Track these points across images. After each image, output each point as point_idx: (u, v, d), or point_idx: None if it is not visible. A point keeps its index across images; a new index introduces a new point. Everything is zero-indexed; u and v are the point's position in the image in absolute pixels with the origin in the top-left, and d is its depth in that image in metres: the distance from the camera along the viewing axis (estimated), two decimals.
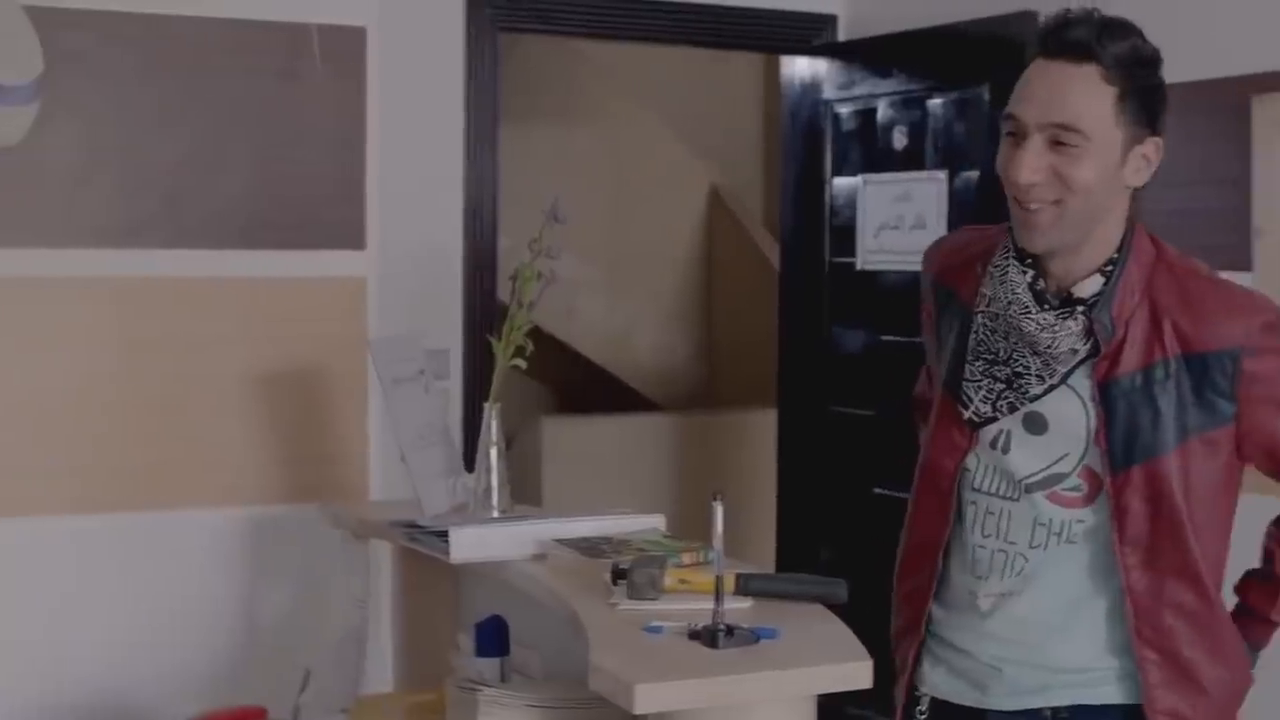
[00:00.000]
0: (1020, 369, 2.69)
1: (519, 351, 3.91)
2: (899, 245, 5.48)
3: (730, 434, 7.77)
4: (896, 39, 5.55)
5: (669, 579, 3.07)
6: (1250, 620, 2.79)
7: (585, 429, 7.71)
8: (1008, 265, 2.70)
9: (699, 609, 2.88)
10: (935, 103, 5.40)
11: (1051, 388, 2.68)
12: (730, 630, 2.79)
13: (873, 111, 5.65)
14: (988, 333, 2.73)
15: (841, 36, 5.86)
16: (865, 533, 5.46)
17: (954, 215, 5.23)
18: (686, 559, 3.28)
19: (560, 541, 3.49)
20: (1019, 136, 2.62)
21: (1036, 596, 2.73)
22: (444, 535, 3.57)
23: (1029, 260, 2.69)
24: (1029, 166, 2.59)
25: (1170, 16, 4.28)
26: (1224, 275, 2.74)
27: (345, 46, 4.91)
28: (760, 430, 6.82)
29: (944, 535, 2.79)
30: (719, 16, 5.67)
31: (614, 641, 2.83)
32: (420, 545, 3.75)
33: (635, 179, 8.13)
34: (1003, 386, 2.71)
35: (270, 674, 4.53)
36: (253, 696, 4.35)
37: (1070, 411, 2.68)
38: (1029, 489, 2.71)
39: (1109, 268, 2.66)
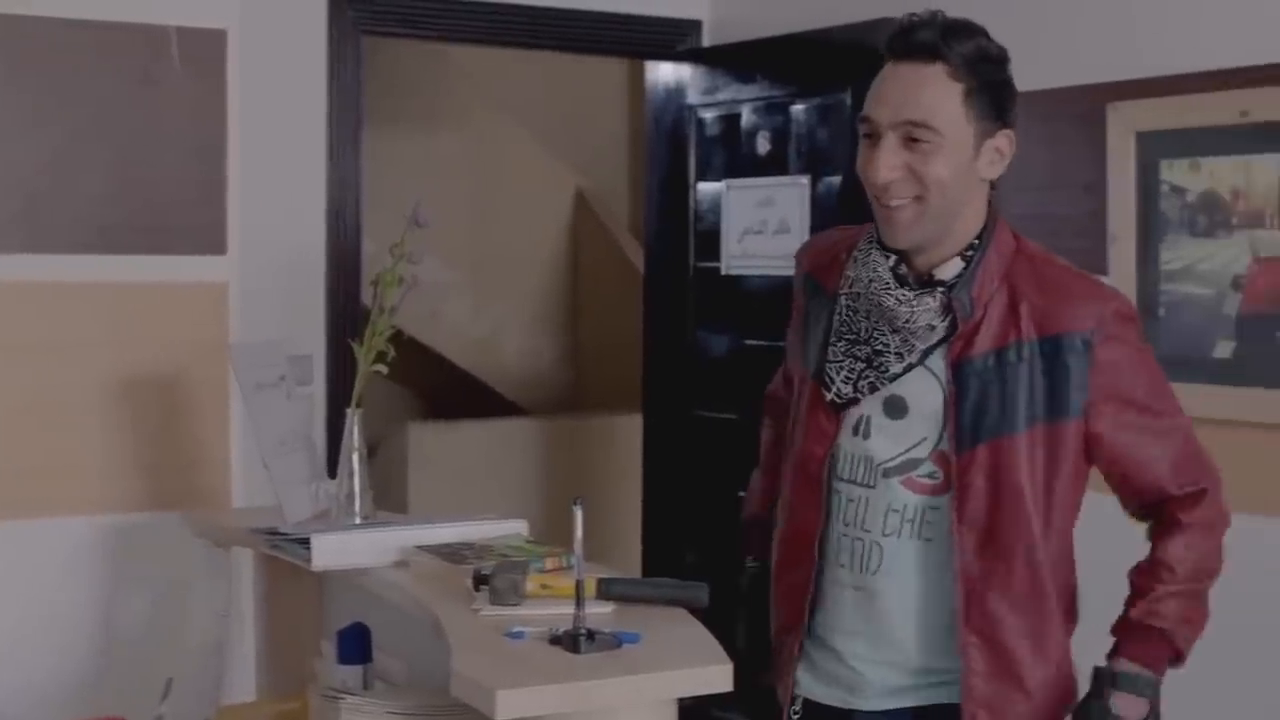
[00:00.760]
0: (880, 347, 2.73)
1: (380, 357, 3.89)
2: (763, 250, 5.52)
3: (597, 438, 7.78)
4: (760, 45, 5.58)
5: (531, 584, 3.07)
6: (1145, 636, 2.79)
7: (451, 434, 7.68)
8: (871, 249, 2.78)
9: (561, 614, 2.88)
10: (798, 108, 5.43)
11: (910, 366, 2.72)
12: (592, 635, 2.80)
13: (737, 117, 5.68)
14: (850, 313, 2.79)
15: (706, 42, 5.88)
16: (730, 536, 5.49)
17: (817, 220, 5.26)
18: (549, 564, 3.29)
19: (423, 548, 3.49)
20: (874, 137, 2.71)
21: (895, 590, 2.76)
22: (306, 542, 3.56)
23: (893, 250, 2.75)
24: (885, 165, 2.68)
25: (1029, 25, 4.36)
26: None
27: (205, 49, 4.86)
28: (627, 434, 6.83)
29: (817, 526, 2.81)
30: (584, 21, 5.67)
31: (476, 647, 2.83)
32: (282, 553, 3.73)
33: (501, 183, 8.11)
34: (863, 366, 2.75)
35: (131, 683, 4.48)
36: (113, 707, 4.29)
37: (928, 394, 2.73)
38: (886, 474, 2.75)
39: (970, 253, 2.72)
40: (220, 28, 4.91)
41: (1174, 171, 4.32)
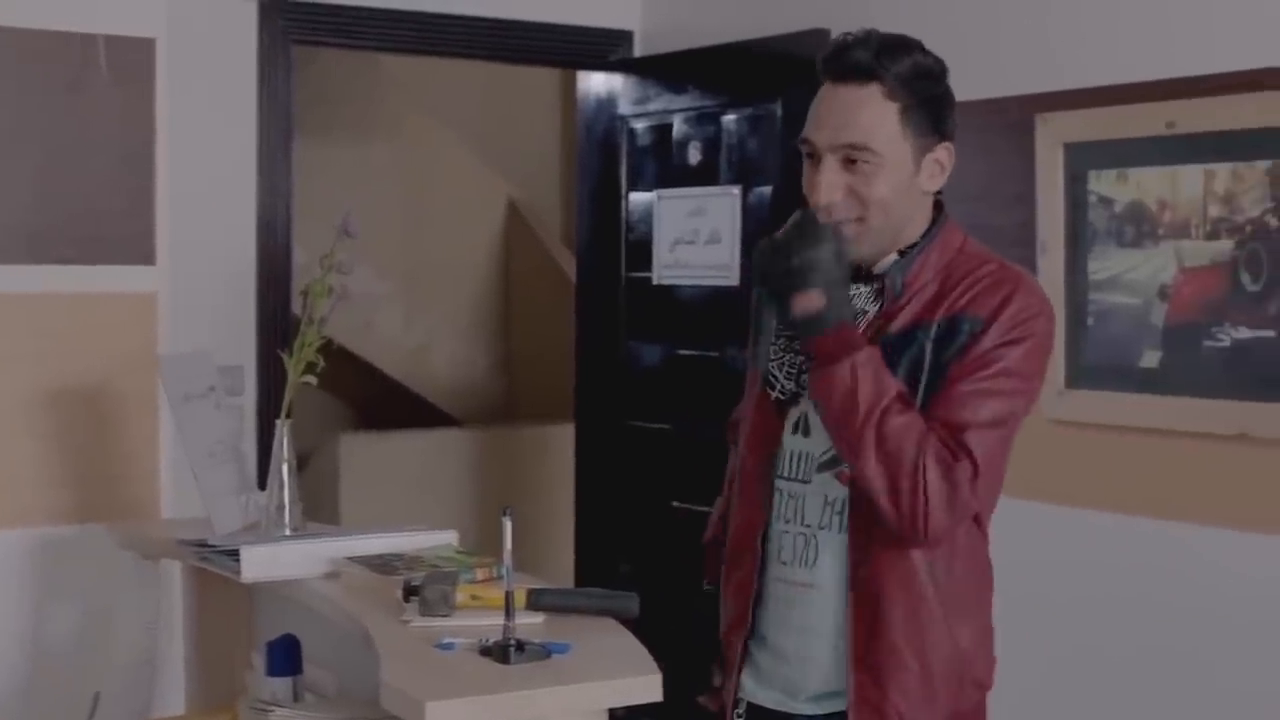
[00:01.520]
0: None
1: (310, 368, 3.87)
2: (694, 260, 5.53)
3: (529, 448, 7.77)
4: (692, 55, 5.59)
5: (461, 595, 3.07)
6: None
7: (383, 445, 7.67)
8: None
9: (491, 625, 2.88)
10: (729, 118, 5.44)
11: None
12: (521, 645, 2.79)
13: (668, 127, 5.69)
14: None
15: (638, 52, 5.89)
16: (663, 546, 5.50)
17: (748, 230, 5.27)
18: (480, 575, 3.29)
19: (353, 559, 3.48)
20: (815, 158, 2.73)
21: (829, 583, 2.76)
22: (235, 554, 3.54)
23: None
24: (826, 186, 2.70)
25: (960, 36, 4.39)
26: None
27: (134, 57, 4.83)
28: (559, 444, 6.83)
29: (760, 523, 2.82)
30: (515, 31, 5.67)
31: (405, 658, 2.82)
32: (211, 564, 3.71)
33: (433, 192, 8.11)
34: (802, 359, 2.76)
35: (59, 698, 4.45)
36: None
37: None
38: (820, 468, 2.77)
39: (909, 250, 2.74)
40: (149, 36, 4.88)
41: (1102, 182, 4.35)
